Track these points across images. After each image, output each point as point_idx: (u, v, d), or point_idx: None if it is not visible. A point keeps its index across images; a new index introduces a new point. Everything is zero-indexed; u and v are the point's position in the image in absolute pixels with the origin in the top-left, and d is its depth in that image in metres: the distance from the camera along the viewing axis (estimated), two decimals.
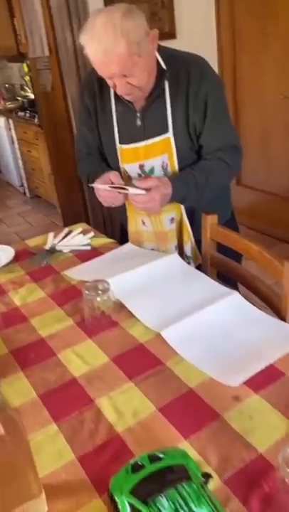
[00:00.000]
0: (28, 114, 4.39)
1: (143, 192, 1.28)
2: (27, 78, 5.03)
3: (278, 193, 3.16)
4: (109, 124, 1.44)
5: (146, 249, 1.54)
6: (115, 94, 1.36)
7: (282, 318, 1.11)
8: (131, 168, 1.44)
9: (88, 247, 1.56)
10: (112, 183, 1.35)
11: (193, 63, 1.33)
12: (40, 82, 3.23)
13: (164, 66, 1.32)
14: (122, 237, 1.65)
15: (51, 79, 3.06)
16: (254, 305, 1.13)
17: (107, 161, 1.52)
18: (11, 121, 4.79)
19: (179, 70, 1.32)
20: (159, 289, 1.24)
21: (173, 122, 1.35)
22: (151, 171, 1.41)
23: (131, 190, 1.29)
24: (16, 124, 4.70)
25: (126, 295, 1.21)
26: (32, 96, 4.63)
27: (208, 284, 1.24)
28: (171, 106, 1.34)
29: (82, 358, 1.03)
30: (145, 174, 1.42)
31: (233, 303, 1.13)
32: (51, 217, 4.32)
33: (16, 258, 1.53)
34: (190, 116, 1.34)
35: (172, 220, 1.49)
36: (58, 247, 1.57)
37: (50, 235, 1.65)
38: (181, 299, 1.18)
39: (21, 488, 0.67)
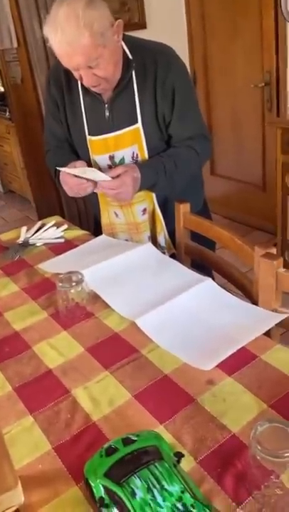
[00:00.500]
0: None
1: (108, 178, 1.26)
2: None
3: (251, 182, 3.20)
4: (77, 115, 1.42)
5: (120, 240, 1.54)
6: (83, 85, 1.35)
7: (255, 303, 1.12)
8: (101, 159, 1.43)
9: (62, 240, 1.55)
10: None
11: (159, 52, 1.33)
12: (10, 74, 3.18)
13: (130, 56, 1.31)
14: (97, 230, 1.65)
15: (20, 71, 3.01)
16: (229, 291, 1.15)
17: (78, 154, 1.51)
18: None
19: (146, 59, 1.31)
20: (134, 279, 1.24)
21: (141, 112, 1.35)
22: (122, 162, 1.41)
23: (99, 177, 1.28)
24: None
25: (100, 286, 1.21)
26: (2, 89, 4.54)
27: (182, 272, 1.25)
28: (139, 96, 1.34)
29: (57, 349, 1.03)
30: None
31: (206, 289, 1.15)
32: (25, 211, 4.27)
33: None
34: (158, 105, 1.34)
35: (144, 210, 1.49)
36: (31, 241, 1.55)
37: (23, 228, 1.64)
38: (155, 287, 1.19)
39: None
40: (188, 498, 0.62)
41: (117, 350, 1.00)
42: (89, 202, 1.49)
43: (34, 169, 3.36)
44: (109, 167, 1.42)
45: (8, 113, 4.04)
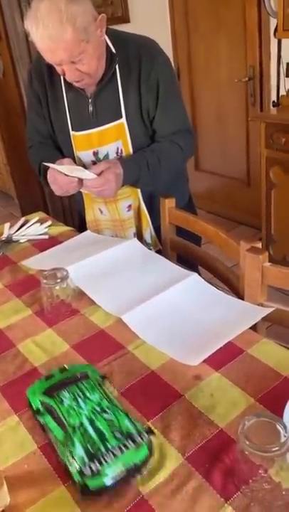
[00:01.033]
0: None
1: (94, 176, 1.25)
2: None
3: (235, 177, 3.20)
4: (61, 111, 1.40)
5: (105, 236, 1.52)
6: (66, 79, 1.33)
7: (240, 297, 1.12)
8: (85, 155, 1.41)
9: (46, 236, 1.53)
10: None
11: (143, 46, 1.32)
12: None
13: (113, 50, 1.30)
14: (81, 226, 1.63)
15: (2, 65, 2.96)
16: (214, 286, 1.14)
17: (61, 150, 1.48)
18: None
19: (130, 53, 1.30)
20: (119, 275, 1.23)
21: (125, 107, 1.33)
22: (106, 157, 1.39)
23: (86, 175, 1.26)
24: None
25: (86, 282, 1.20)
26: None
27: (167, 267, 1.25)
28: (123, 91, 1.32)
29: (42, 347, 1.01)
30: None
31: (192, 284, 1.14)
32: (9, 208, 4.21)
33: None
34: (143, 99, 1.33)
35: (129, 207, 1.48)
36: (14, 237, 1.53)
37: (6, 225, 1.61)
38: (140, 283, 1.18)
39: None
40: (105, 403, 0.79)
41: (103, 346, 0.99)
42: (73, 198, 1.47)
43: (17, 165, 3.31)
44: (94, 163, 1.40)
45: None
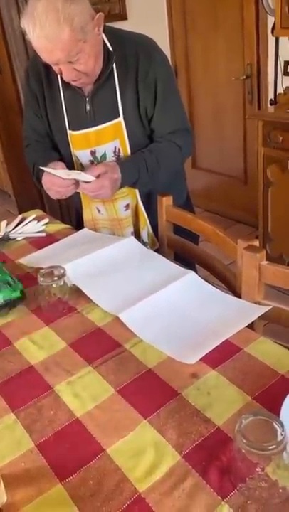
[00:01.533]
0: None
1: (91, 178, 1.25)
2: None
3: (232, 175, 3.20)
4: (58, 109, 1.39)
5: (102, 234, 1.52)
6: (63, 78, 1.32)
7: (237, 295, 1.12)
8: (82, 154, 1.41)
9: (43, 234, 1.53)
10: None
11: (140, 44, 1.31)
12: None
13: (110, 48, 1.29)
14: (79, 225, 1.63)
15: None
16: (212, 285, 1.14)
17: (58, 149, 1.48)
18: None
19: (127, 51, 1.29)
20: (116, 273, 1.23)
21: (123, 106, 1.33)
22: (103, 157, 1.38)
23: (83, 177, 1.26)
24: None
25: (83, 280, 1.19)
26: None
27: (164, 266, 1.25)
28: (121, 89, 1.31)
29: (39, 345, 1.01)
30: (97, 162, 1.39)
31: (189, 282, 1.14)
32: (6, 205, 4.20)
33: None
34: (140, 98, 1.32)
35: (127, 206, 1.48)
36: (11, 235, 1.53)
37: (3, 222, 1.61)
38: (138, 281, 1.18)
39: None
40: None
41: (100, 344, 0.99)
42: (70, 197, 1.46)
43: (15, 163, 3.30)
44: (91, 162, 1.40)
45: None
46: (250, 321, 0.99)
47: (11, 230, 1.56)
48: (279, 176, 2.30)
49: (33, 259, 1.36)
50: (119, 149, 1.38)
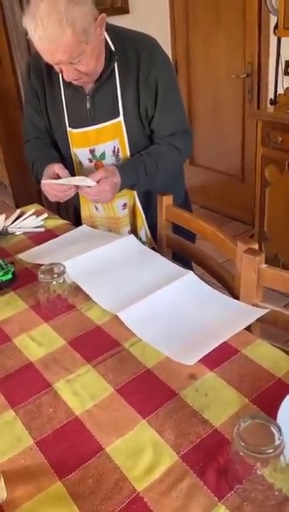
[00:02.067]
0: None
1: (93, 183, 1.26)
2: None
3: (230, 173, 3.21)
4: (58, 107, 1.39)
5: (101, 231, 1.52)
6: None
7: (235, 297, 1.14)
8: (81, 152, 1.41)
9: (42, 229, 1.53)
10: (59, 177, 1.31)
11: (142, 43, 1.30)
12: None
13: (113, 47, 1.28)
14: (76, 220, 1.63)
15: None
16: (209, 284, 1.15)
17: (57, 146, 1.47)
18: None
19: (129, 50, 1.28)
20: (115, 271, 1.23)
21: (123, 106, 1.32)
22: (102, 156, 1.39)
23: (83, 183, 1.27)
24: None
25: (82, 278, 1.20)
26: None
27: (163, 265, 1.25)
28: (121, 89, 1.31)
29: (38, 342, 1.02)
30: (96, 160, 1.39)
31: (188, 282, 1.15)
32: (1, 196, 4.18)
33: None
34: (141, 98, 1.32)
35: (124, 205, 1.48)
36: (10, 230, 1.52)
37: (2, 216, 1.60)
38: (137, 280, 1.19)
39: None
40: None
41: (99, 343, 1.00)
42: None
43: (13, 155, 3.28)
44: (90, 161, 1.40)
45: None
46: (248, 324, 1.00)
47: (10, 224, 1.56)
48: (277, 176, 2.31)
49: (32, 255, 1.36)
50: (118, 149, 1.38)
